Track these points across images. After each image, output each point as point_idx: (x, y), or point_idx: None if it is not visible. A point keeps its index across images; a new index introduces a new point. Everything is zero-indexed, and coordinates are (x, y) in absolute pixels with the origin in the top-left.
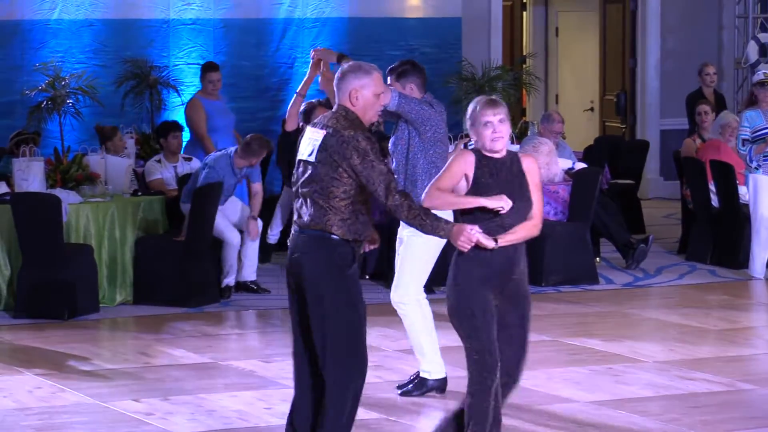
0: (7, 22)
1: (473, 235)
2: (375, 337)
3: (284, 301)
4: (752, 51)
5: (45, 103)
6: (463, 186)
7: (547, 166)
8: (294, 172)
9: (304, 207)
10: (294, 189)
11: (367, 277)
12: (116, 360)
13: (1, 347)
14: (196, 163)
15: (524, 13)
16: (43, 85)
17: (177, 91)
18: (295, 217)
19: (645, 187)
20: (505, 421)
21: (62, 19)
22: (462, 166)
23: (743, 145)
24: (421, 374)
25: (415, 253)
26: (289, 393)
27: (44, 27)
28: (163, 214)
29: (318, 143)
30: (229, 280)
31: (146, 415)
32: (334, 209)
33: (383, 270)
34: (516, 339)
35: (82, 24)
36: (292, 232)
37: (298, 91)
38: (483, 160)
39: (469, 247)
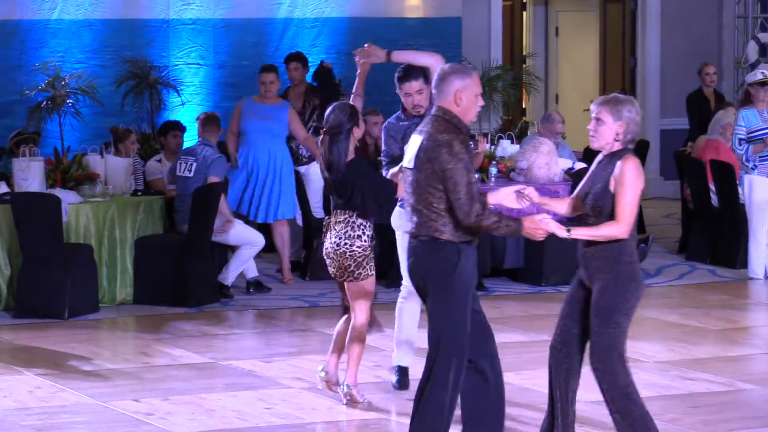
0: (7, 21)
1: (545, 223)
2: (374, 336)
3: (284, 301)
4: (752, 51)
5: (45, 102)
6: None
7: (547, 166)
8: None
9: (411, 214)
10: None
11: None
12: (116, 360)
13: (1, 347)
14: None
15: (524, 12)
16: (43, 85)
17: (177, 91)
18: (407, 227)
19: (645, 187)
20: (506, 421)
21: (62, 18)
22: None
23: (739, 144)
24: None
25: None
26: (289, 393)
27: (44, 27)
28: (163, 214)
29: (416, 149)
30: (253, 275)
31: (146, 415)
32: (436, 213)
33: (382, 269)
34: None
35: (82, 24)
36: (408, 238)
37: (354, 91)
38: None
39: (544, 235)
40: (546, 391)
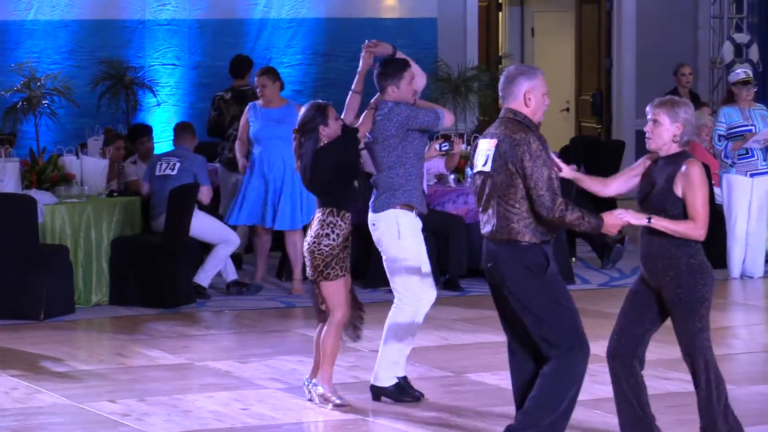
0: None
1: (621, 218)
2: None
3: (260, 302)
4: (727, 51)
5: (20, 103)
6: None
7: None
8: (470, 184)
9: (488, 217)
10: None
11: None
12: (92, 361)
13: None
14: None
15: (500, 13)
16: (19, 86)
17: (153, 92)
18: (483, 230)
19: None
20: (479, 422)
21: (37, 19)
22: None
23: (719, 141)
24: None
25: (398, 258)
26: (265, 393)
27: (19, 27)
28: (139, 215)
29: (492, 152)
30: (232, 277)
31: (122, 416)
32: (516, 215)
33: (360, 269)
34: None
35: (58, 25)
36: (484, 242)
37: (353, 88)
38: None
39: (616, 230)
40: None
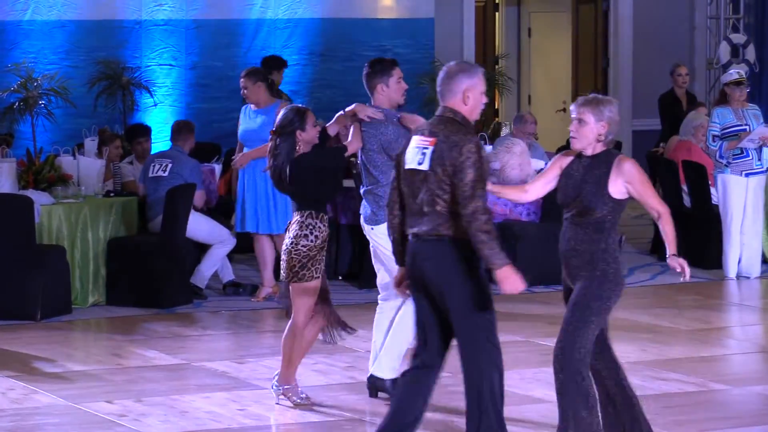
0: None
1: (516, 287)
2: (348, 337)
3: (256, 303)
4: (724, 51)
5: (17, 104)
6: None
7: (519, 166)
8: (393, 182)
9: (417, 216)
10: (390, 198)
11: (340, 278)
12: (89, 361)
13: None
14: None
15: (497, 13)
16: (15, 86)
17: (149, 92)
18: (408, 228)
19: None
20: None
21: (35, 20)
22: None
23: (713, 141)
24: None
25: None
26: (262, 394)
27: (16, 28)
28: (136, 215)
29: (430, 150)
30: (229, 277)
31: (119, 417)
32: (448, 214)
33: (355, 271)
34: None
35: (55, 25)
36: (411, 241)
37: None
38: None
39: (506, 287)
40: (517, 391)
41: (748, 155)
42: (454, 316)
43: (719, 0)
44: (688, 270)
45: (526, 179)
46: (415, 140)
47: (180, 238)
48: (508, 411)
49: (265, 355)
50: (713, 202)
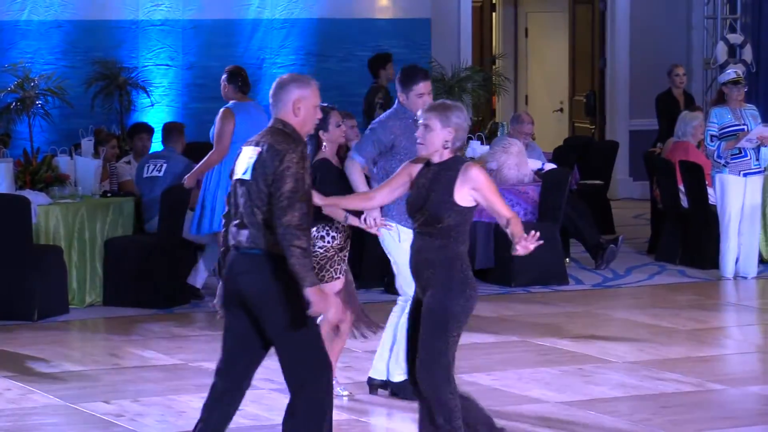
0: None
1: (329, 312)
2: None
3: None
4: (721, 52)
5: (14, 104)
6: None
7: (516, 166)
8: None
9: (240, 228)
10: (228, 210)
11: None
12: (86, 361)
13: None
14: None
15: (494, 13)
16: (12, 86)
17: (146, 92)
18: (231, 240)
19: (614, 188)
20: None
21: (31, 20)
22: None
23: (711, 141)
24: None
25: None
26: (259, 393)
27: (13, 28)
28: (133, 215)
29: (253, 160)
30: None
31: (116, 417)
32: (266, 227)
33: (355, 271)
34: None
35: (51, 25)
36: (232, 251)
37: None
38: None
39: (317, 309)
40: (514, 391)
41: (746, 155)
42: (273, 333)
43: (716, 0)
44: (532, 245)
45: (522, 179)
46: (245, 151)
47: (176, 239)
48: (506, 410)
49: None
50: (710, 203)
